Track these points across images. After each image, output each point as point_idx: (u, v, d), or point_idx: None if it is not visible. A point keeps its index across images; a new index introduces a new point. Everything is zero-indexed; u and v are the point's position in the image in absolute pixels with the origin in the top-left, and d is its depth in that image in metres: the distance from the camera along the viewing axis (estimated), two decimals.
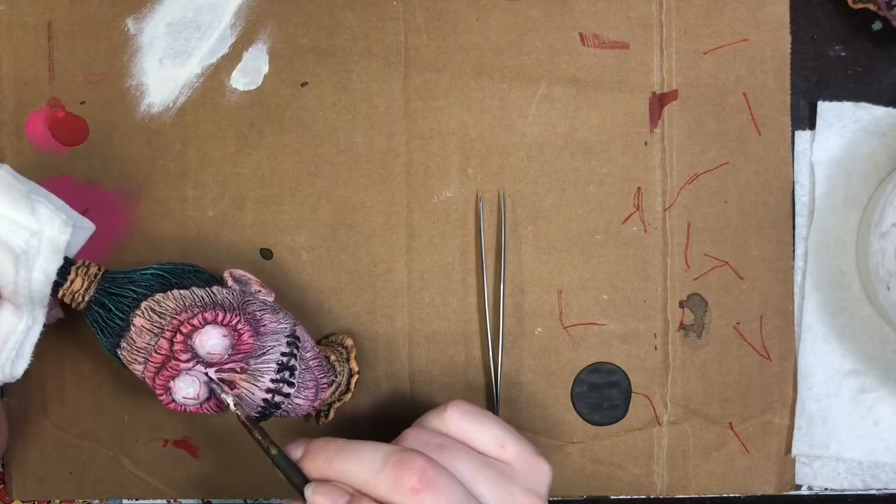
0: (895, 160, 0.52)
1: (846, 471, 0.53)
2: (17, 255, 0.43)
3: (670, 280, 0.52)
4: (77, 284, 0.45)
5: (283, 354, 0.45)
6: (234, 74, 0.52)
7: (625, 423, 0.52)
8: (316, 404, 0.47)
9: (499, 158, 0.52)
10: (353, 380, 0.50)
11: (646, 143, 0.52)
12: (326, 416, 0.50)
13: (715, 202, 0.52)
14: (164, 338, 0.44)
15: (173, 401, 0.44)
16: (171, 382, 0.44)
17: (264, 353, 0.45)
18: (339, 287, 0.52)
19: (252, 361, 0.44)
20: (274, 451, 0.43)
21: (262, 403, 0.45)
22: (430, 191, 0.52)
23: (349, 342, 0.51)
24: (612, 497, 0.53)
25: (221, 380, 0.44)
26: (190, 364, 0.44)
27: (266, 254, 0.52)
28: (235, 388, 0.44)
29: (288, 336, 0.45)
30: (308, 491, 0.42)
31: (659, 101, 0.52)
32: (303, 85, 0.52)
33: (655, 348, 0.52)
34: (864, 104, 0.52)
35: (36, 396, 0.52)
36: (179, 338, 0.43)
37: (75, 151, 0.52)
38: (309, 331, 0.48)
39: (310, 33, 0.52)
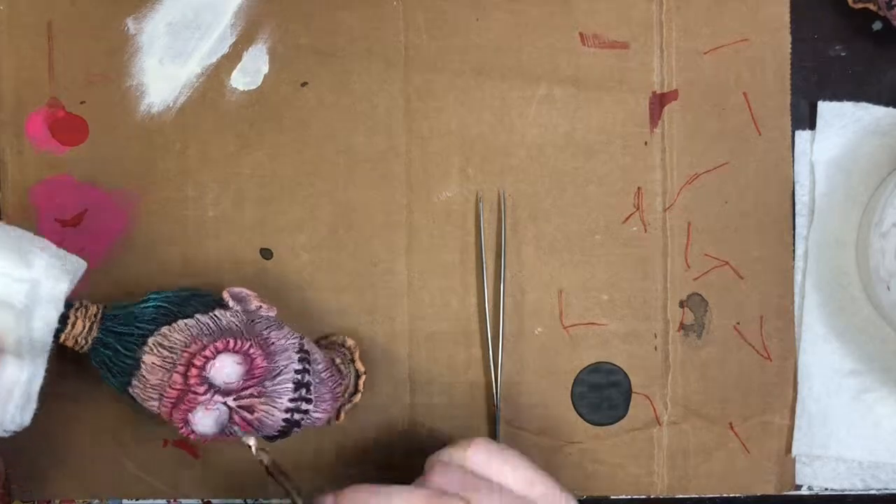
0: (895, 160, 0.52)
1: (846, 471, 0.53)
2: (18, 310, 0.42)
3: (670, 280, 0.52)
4: (78, 327, 0.44)
5: (296, 372, 0.44)
6: (234, 74, 0.52)
7: (625, 423, 0.52)
8: (332, 413, 0.47)
9: (499, 158, 0.52)
10: (361, 380, 0.50)
11: (646, 143, 0.52)
12: (337, 418, 0.50)
13: (715, 202, 0.52)
14: (178, 372, 0.43)
15: (194, 432, 0.44)
16: (190, 416, 0.43)
17: (279, 374, 0.44)
18: (339, 287, 0.52)
19: (268, 384, 0.44)
20: None
21: (282, 423, 0.44)
22: (430, 191, 0.52)
23: (351, 342, 0.50)
24: (612, 497, 0.53)
25: (241, 406, 0.44)
26: (208, 396, 0.43)
27: (266, 254, 0.52)
28: (255, 412, 0.44)
29: (298, 352, 0.45)
30: None
31: (659, 101, 0.52)
32: (303, 85, 0.52)
33: (655, 348, 0.52)
34: (864, 104, 0.52)
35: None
36: (194, 371, 0.42)
37: (75, 151, 0.52)
38: (309, 331, 0.48)
39: (310, 33, 0.52)
